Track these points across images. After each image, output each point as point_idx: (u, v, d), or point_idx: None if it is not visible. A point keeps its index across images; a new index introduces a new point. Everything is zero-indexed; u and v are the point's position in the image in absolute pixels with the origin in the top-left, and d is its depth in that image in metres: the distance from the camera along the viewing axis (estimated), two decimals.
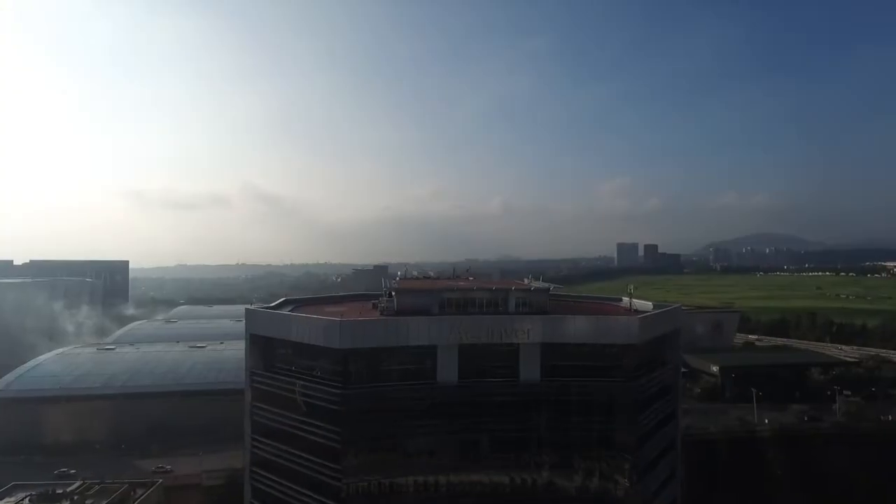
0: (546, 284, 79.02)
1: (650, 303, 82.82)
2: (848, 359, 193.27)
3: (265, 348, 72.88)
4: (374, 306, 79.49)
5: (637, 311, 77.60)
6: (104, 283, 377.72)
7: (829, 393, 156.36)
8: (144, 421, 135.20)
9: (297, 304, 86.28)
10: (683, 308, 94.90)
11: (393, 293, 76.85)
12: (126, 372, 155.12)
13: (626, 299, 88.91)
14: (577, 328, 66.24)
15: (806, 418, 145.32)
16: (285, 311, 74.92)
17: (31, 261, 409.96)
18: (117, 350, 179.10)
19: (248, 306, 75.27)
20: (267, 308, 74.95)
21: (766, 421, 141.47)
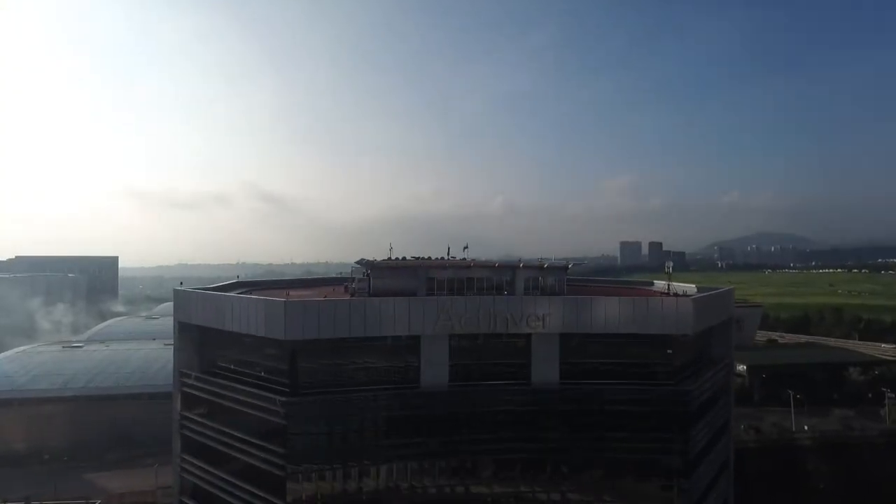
0: (564, 261, 62.03)
1: (693, 285, 65.73)
2: (888, 357, 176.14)
3: (200, 341, 56.11)
4: (347, 289, 62.68)
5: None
6: (90, 280, 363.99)
7: (870, 395, 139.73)
8: (104, 427, 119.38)
9: (252, 287, 69.34)
10: None
11: (368, 272, 60.01)
12: (89, 372, 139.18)
13: (659, 283, 72.10)
14: (609, 314, 49.26)
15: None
16: (229, 294, 57.82)
17: (16, 256, 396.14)
18: (85, 348, 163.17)
19: (179, 286, 58.41)
20: (201, 289, 57.71)
21: (806, 427, 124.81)
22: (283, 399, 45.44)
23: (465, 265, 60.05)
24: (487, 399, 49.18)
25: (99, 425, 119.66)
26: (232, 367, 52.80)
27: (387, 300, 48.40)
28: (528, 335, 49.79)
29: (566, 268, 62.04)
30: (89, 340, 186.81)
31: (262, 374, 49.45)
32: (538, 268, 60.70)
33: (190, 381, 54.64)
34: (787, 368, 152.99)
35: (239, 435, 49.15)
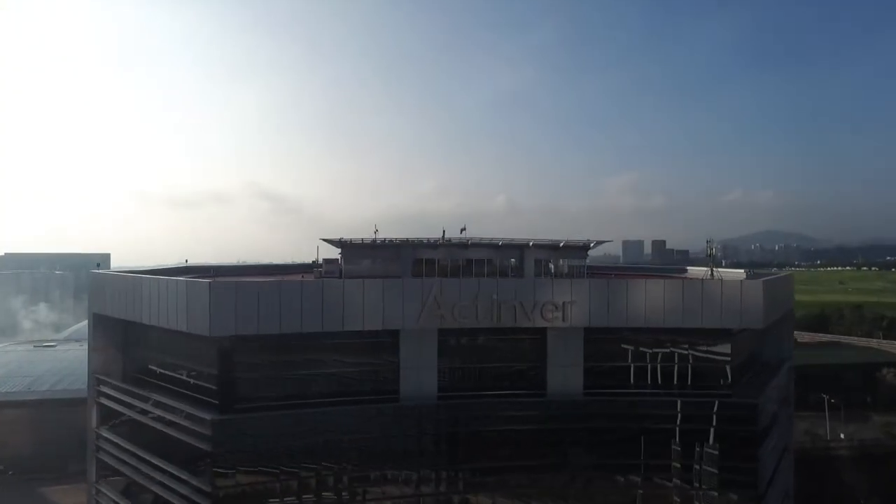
0: (584, 239, 49.81)
1: (741, 271, 53.49)
2: None
3: (123, 339, 44.00)
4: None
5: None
6: (79, 278, 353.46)
7: None
8: (68, 434, 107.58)
9: (205, 272, 56.91)
10: None
11: (340, 253, 47.99)
12: (59, 373, 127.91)
13: (693, 270, 59.78)
14: (652, 301, 36.98)
15: None
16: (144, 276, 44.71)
17: (5, 254, 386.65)
18: (58, 348, 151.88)
19: (96, 269, 46.20)
20: (125, 273, 44.98)
21: (842, 435, 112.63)
22: (210, 417, 33.18)
23: (461, 244, 47.91)
24: (489, 416, 37.07)
25: (63, 432, 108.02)
26: (159, 372, 40.63)
27: (354, 282, 36.11)
28: (543, 330, 37.63)
29: (587, 247, 49.82)
30: (66, 339, 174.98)
31: (193, 382, 37.26)
32: (552, 247, 48.54)
33: (107, 391, 42.45)
34: (815, 370, 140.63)
35: (160, 464, 36.94)
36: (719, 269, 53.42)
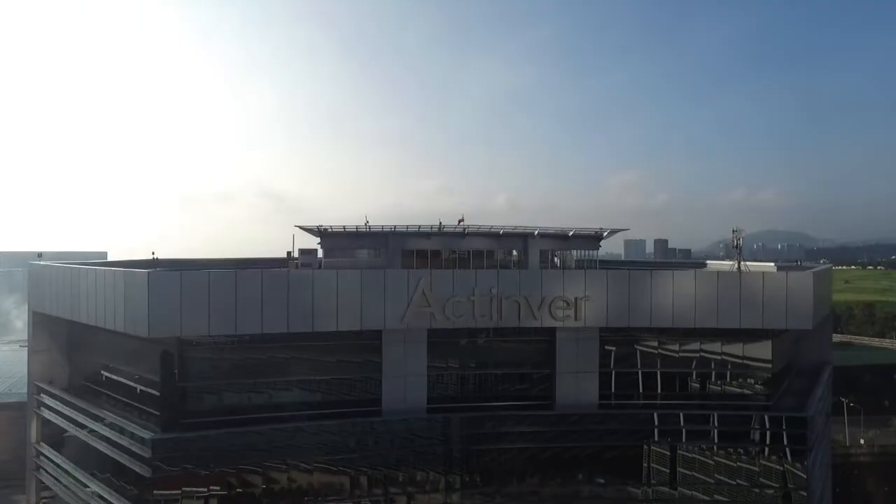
0: (597, 228, 43.97)
1: (771, 264, 47.61)
2: None
3: (68, 340, 38.23)
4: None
5: None
6: None
7: None
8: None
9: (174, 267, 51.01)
10: None
11: (318, 243, 42.12)
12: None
13: (713, 263, 53.80)
14: (681, 298, 31.16)
15: None
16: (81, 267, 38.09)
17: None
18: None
19: (37, 259, 40.19)
20: (62, 264, 38.54)
21: (863, 441, 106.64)
22: (149, 436, 27.36)
23: (457, 233, 42.03)
24: (487, 433, 31.30)
25: None
26: (107, 379, 34.86)
27: (326, 273, 30.44)
28: (552, 331, 31.88)
29: (599, 236, 43.92)
30: None
31: (140, 392, 31.46)
32: (560, 236, 42.62)
33: (48, 401, 36.67)
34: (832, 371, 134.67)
35: (98, 490, 31.16)
36: (748, 263, 47.49)
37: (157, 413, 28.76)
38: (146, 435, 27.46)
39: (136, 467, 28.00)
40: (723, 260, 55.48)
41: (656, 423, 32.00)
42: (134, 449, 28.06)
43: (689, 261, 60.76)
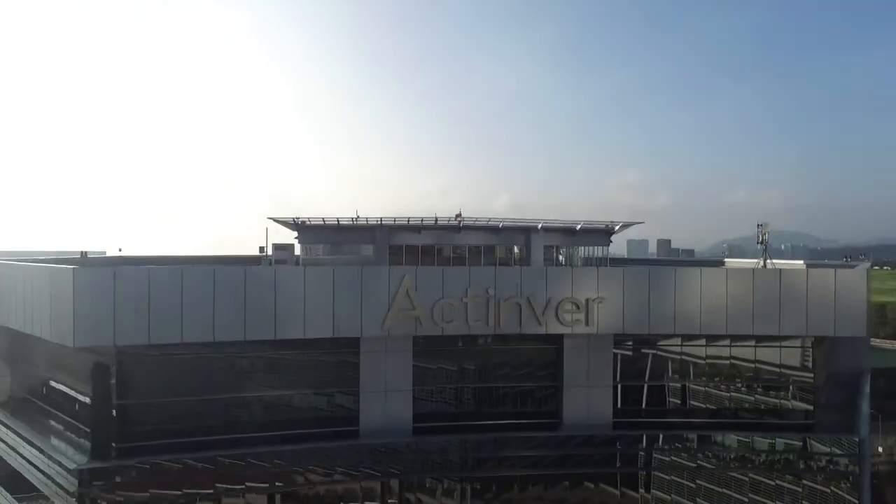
0: (606, 221, 39.38)
1: (800, 261, 42.92)
2: None
3: (10, 348, 33.66)
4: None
5: None
6: None
7: None
8: None
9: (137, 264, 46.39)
10: None
11: (295, 237, 37.71)
12: None
13: (731, 262, 49.24)
14: (710, 299, 26.51)
15: None
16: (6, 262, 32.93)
17: None
18: None
19: None
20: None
21: (881, 449, 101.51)
22: (74, 466, 22.76)
23: (451, 227, 37.55)
24: (482, 458, 26.64)
25: None
26: (45, 392, 30.33)
27: (290, 269, 25.78)
28: (559, 338, 27.21)
29: (611, 231, 39.44)
30: None
31: (74, 412, 26.91)
32: (567, 231, 38.14)
33: None
34: None
35: None
36: (774, 261, 42.81)
37: (87, 437, 24.17)
38: (70, 465, 22.83)
39: (62, 502, 23.43)
40: (728, 258, 50.99)
41: (681, 448, 27.39)
42: (58, 480, 23.50)
43: (707, 259, 56.28)
